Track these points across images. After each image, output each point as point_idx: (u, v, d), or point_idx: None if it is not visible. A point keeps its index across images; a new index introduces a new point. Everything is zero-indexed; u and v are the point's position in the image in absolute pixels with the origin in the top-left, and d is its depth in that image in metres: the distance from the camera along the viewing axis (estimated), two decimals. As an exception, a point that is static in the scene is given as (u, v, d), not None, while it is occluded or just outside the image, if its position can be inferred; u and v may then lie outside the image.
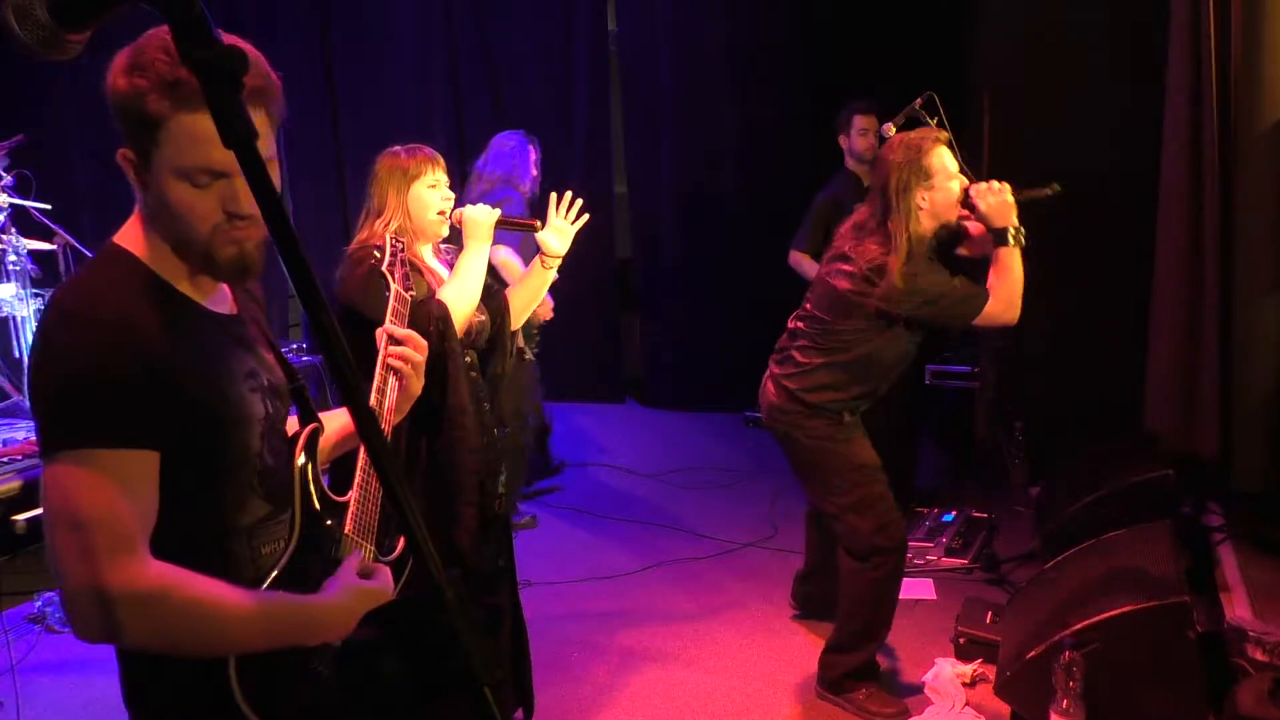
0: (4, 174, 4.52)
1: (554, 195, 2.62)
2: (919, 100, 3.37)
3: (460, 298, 2.40)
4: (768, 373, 3.12)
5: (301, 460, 1.40)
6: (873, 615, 3.01)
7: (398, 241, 2.03)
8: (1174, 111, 4.07)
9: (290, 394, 1.45)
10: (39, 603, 3.73)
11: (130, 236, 1.28)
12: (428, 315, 2.30)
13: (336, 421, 1.56)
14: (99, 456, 1.14)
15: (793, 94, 6.02)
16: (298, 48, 6.63)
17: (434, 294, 2.40)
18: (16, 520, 3.68)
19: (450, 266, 2.56)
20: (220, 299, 1.36)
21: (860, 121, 4.35)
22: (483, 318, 2.54)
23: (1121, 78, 4.42)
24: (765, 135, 6.19)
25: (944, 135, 2.88)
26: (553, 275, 2.65)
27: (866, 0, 5.69)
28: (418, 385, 1.72)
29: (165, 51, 1.16)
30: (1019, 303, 2.77)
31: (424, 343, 1.75)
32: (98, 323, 1.18)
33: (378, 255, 2.05)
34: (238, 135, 0.80)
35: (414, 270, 2.36)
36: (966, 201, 2.81)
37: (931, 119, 3.28)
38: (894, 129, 3.34)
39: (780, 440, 3.08)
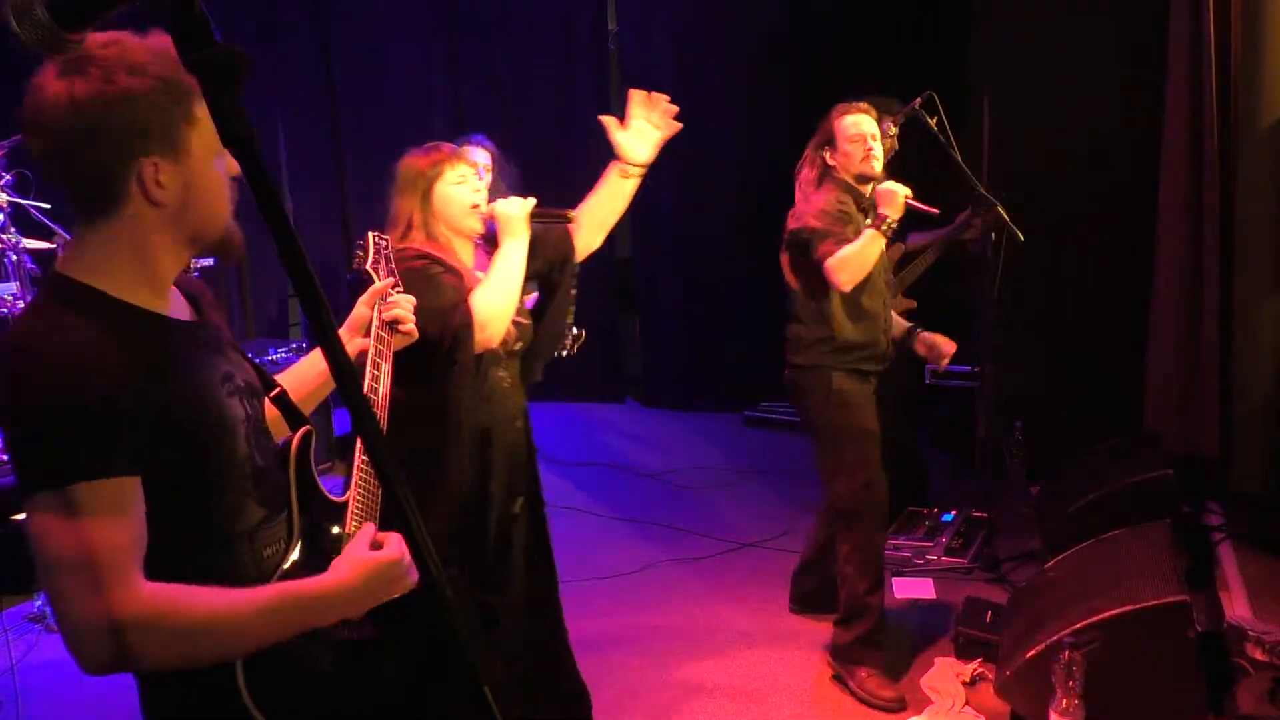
0: (4, 173, 4.52)
1: (636, 92, 2.42)
2: (919, 100, 3.38)
3: (495, 301, 2.23)
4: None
5: (296, 465, 1.39)
6: (860, 574, 3.12)
7: (381, 239, 1.98)
8: (1174, 111, 4.07)
9: (274, 401, 1.44)
10: (39, 602, 3.72)
11: (75, 264, 1.24)
12: (444, 323, 2.17)
13: (310, 365, 1.63)
14: (75, 492, 1.12)
15: (793, 93, 6.02)
16: (298, 48, 6.63)
17: (465, 298, 2.23)
18: (17, 518, 3.68)
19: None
20: (180, 307, 1.33)
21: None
22: (525, 322, 2.41)
23: (1121, 77, 4.41)
24: (765, 135, 6.19)
25: (860, 105, 3.14)
26: (633, 186, 2.46)
27: (866, 0, 5.69)
28: (416, 332, 1.80)
29: (143, 50, 1.18)
30: (852, 274, 2.94)
31: (410, 298, 1.80)
32: (53, 355, 1.14)
33: (360, 255, 1.96)
34: (237, 135, 0.79)
35: (453, 274, 2.27)
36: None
37: (931, 119, 3.29)
38: (894, 128, 3.35)
39: (797, 413, 3.34)
